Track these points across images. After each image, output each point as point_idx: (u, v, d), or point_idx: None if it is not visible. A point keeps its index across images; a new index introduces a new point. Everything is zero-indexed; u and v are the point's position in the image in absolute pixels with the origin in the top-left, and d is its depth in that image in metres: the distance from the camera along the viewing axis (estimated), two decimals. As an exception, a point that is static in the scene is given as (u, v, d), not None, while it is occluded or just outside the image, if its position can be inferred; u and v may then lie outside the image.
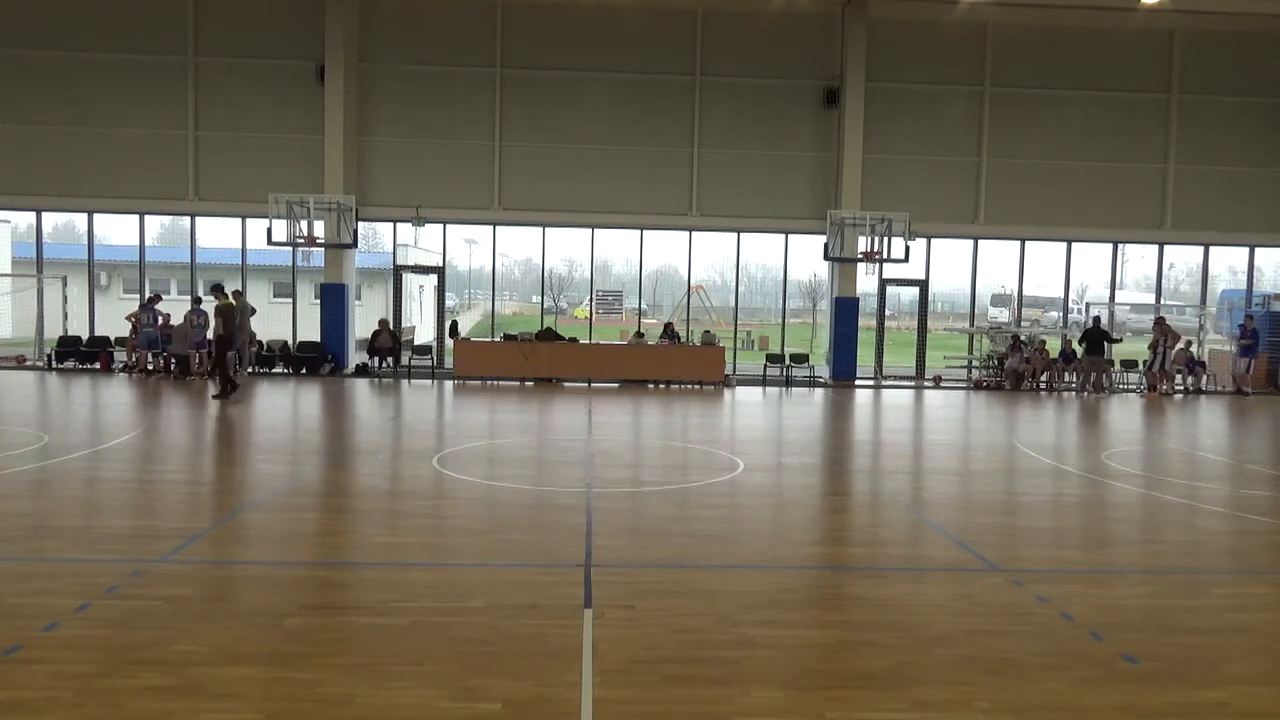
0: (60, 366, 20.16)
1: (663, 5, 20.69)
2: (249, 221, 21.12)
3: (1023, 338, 21.26)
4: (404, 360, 20.85)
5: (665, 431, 13.92)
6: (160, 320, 19.33)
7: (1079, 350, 20.43)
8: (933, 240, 21.78)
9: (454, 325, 21.92)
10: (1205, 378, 21.27)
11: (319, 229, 19.77)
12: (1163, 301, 24.11)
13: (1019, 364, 20.60)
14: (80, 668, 4.61)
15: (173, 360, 18.93)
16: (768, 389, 20.10)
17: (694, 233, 21.64)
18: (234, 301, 16.44)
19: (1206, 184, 21.62)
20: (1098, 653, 5.13)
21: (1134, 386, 21.10)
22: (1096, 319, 20.23)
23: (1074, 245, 22.15)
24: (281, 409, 15.51)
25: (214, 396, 15.54)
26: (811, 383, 20.99)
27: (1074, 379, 20.82)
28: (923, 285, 22.32)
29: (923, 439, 14.16)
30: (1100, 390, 19.80)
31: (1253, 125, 21.58)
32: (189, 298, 19.76)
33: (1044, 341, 21.50)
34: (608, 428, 13.68)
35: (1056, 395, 19.79)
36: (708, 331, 21.93)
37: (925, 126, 21.26)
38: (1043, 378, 20.73)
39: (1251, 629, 5.66)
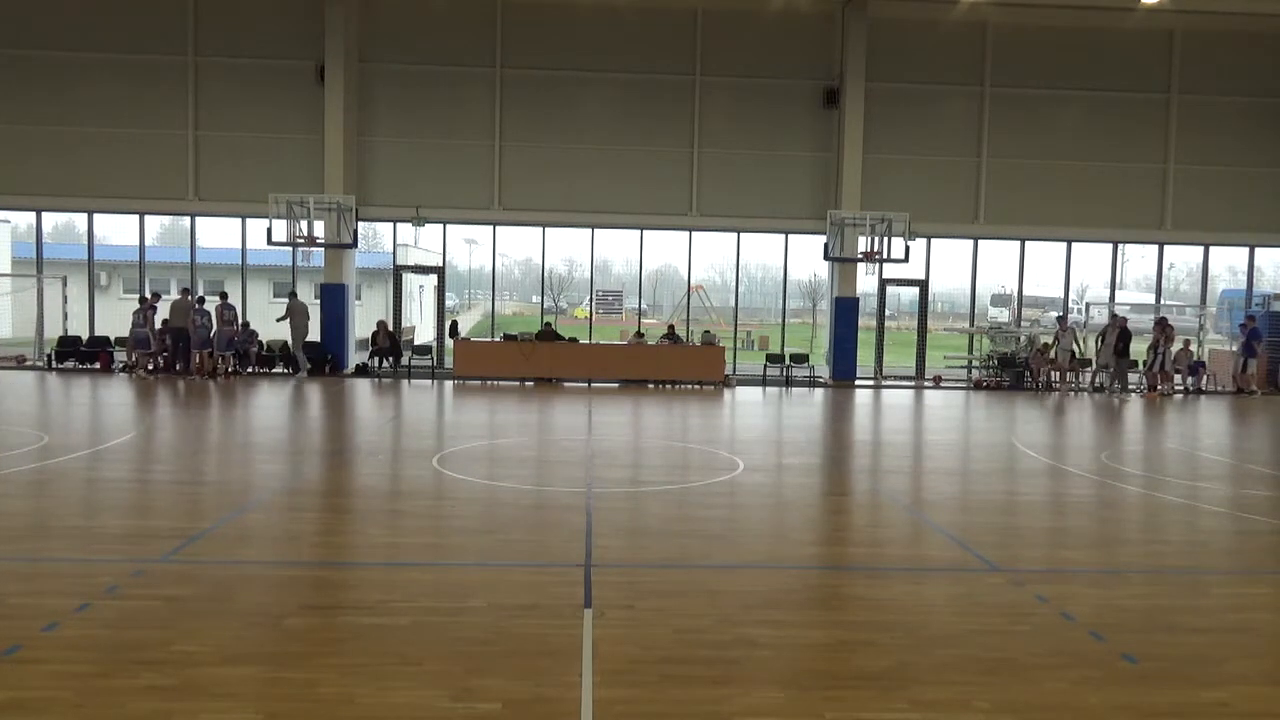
0: (60, 366, 20.15)
1: (663, 5, 20.69)
2: (249, 221, 21.12)
3: (1022, 343, 21.25)
4: (404, 360, 20.85)
5: (665, 431, 13.91)
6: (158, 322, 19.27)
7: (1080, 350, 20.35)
8: (932, 240, 21.77)
9: (454, 325, 21.92)
10: (1205, 378, 21.27)
11: (319, 229, 19.76)
12: (1163, 301, 24.08)
13: (1033, 355, 20.66)
14: (80, 668, 4.61)
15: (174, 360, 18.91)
16: (768, 389, 20.10)
17: (694, 233, 21.64)
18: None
19: (1206, 184, 21.61)
20: (1098, 653, 5.13)
21: (1134, 386, 21.07)
22: (1124, 320, 19.87)
23: (1074, 245, 22.15)
24: (281, 409, 15.50)
25: None
26: (811, 383, 20.99)
27: (1074, 379, 20.83)
28: (923, 285, 22.32)
29: (923, 439, 14.16)
30: (1126, 390, 19.70)
31: (1253, 125, 21.57)
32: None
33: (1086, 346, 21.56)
34: (608, 428, 13.68)
35: (1057, 395, 19.79)
36: (708, 331, 21.91)
37: (925, 127, 21.25)
38: (1040, 379, 20.73)
39: (1251, 629, 5.66)
